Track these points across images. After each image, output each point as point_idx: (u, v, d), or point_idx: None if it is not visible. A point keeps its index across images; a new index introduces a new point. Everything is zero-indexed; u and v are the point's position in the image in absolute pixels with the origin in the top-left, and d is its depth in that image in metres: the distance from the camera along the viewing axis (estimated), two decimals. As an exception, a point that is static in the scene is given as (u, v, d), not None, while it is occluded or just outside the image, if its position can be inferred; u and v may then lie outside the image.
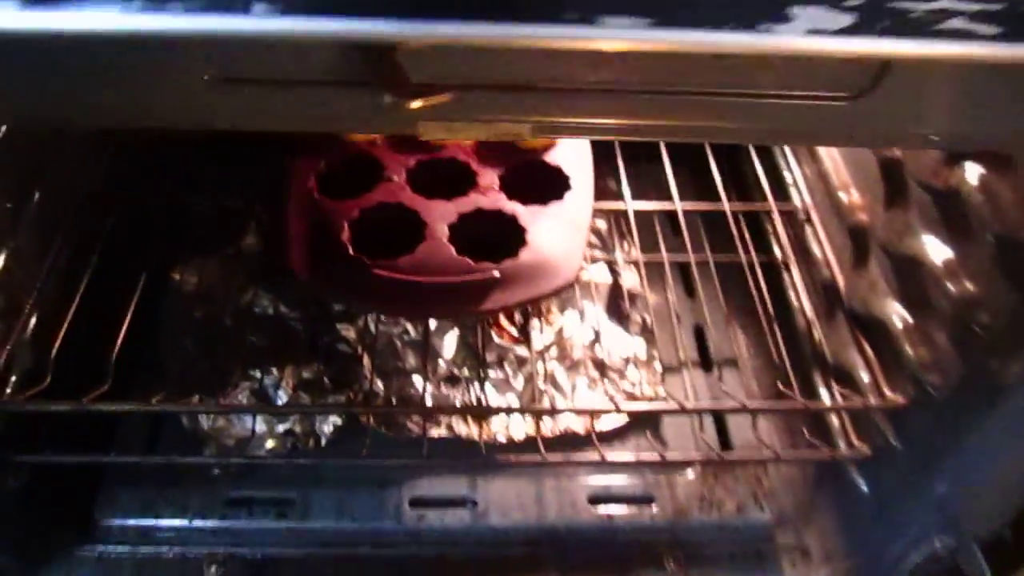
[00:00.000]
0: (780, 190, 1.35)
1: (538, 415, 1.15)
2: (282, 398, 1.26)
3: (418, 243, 1.06)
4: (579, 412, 1.17)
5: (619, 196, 1.30)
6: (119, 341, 1.07)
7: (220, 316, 1.34)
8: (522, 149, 1.20)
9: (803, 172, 1.34)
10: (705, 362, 1.39)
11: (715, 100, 0.63)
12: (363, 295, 1.03)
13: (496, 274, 1.03)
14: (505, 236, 1.09)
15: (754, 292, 1.23)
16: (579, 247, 1.08)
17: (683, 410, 1.04)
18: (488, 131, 0.61)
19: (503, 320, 1.39)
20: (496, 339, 1.35)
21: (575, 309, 1.40)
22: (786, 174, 1.37)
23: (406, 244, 1.06)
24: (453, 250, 1.06)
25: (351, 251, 1.05)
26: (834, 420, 1.18)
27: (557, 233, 1.09)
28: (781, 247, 1.36)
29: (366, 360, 1.30)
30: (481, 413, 1.19)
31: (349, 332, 1.33)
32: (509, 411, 1.17)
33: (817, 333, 1.24)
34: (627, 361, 1.36)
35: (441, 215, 1.09)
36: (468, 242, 1.07)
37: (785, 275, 1.35)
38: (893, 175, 1.05)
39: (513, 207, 1.12)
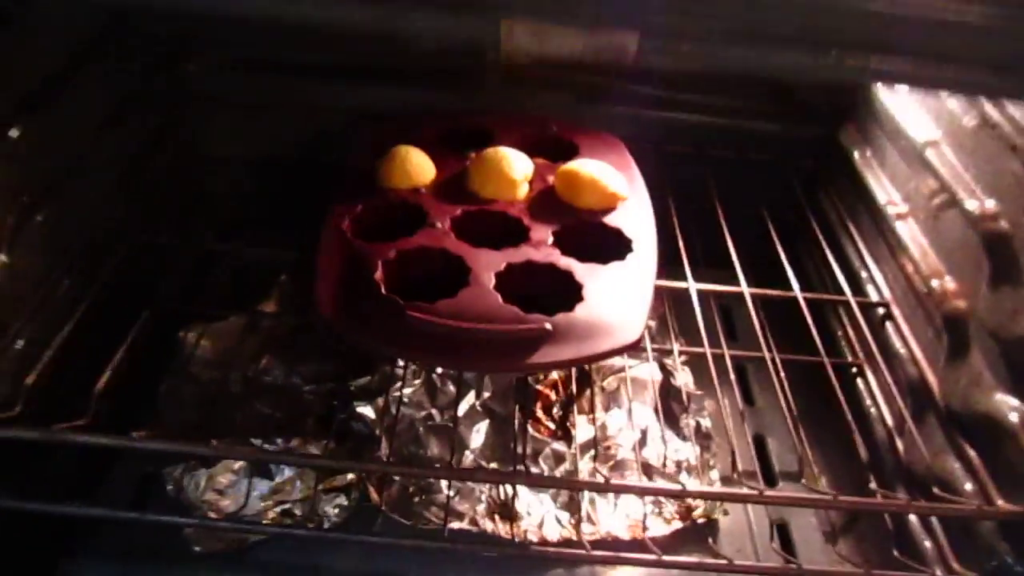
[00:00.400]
0: (854, 286, 1.22)
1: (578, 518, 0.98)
2: (285, 473, 1.10)
3: (460, 289, 0.93)
4: (635, 491, 0.99)
5: (678, 275, 1.18)
6: (105, 377, 0.93)
7: (227, 381, 1.20)
8: (579, 208, 1.09)
9: (879, 268, 1.22)
10: (767, 475, 1.22)
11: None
12: (394, 339, 0.88)
13: (548, 326, 0.89)
14: (558, 291, 0.96)
15: (824, 396, 1.08)
16: (642, 310, 0.95)
17: (759, 497, 0.87)
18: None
19: (540, 412, 1.24)
20: (532, 432, 1.19)
21: (621, 408, 1.25)
22: (860, 271, 1.25)
23: (446, 291, 0.93)
24: (499, 298, 0.92)
25: (383, 290, 0.92)
26: (927, 544, 0.99)
27: (617, 293, 0.96)
28: (852, 346, 1.22)
29: (384, 443, 1.15)
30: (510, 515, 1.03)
31: (367, 410, 1.18)
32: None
33: (901, 443, 1.08)
34: (679, 467, 1.19)
35: (488, 263, 0.97)
36: (516, 294, 0.94)
37: (860, 380, 1.20)
38: (1000, 250, 0.93)
39: (568, 262, 0.99)
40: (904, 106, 1.17)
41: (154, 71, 1.28)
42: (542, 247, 1.01)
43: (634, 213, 1.09)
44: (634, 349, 0.92)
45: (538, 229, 1.04)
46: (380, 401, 1.19)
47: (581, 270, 0.98)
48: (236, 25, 1.33)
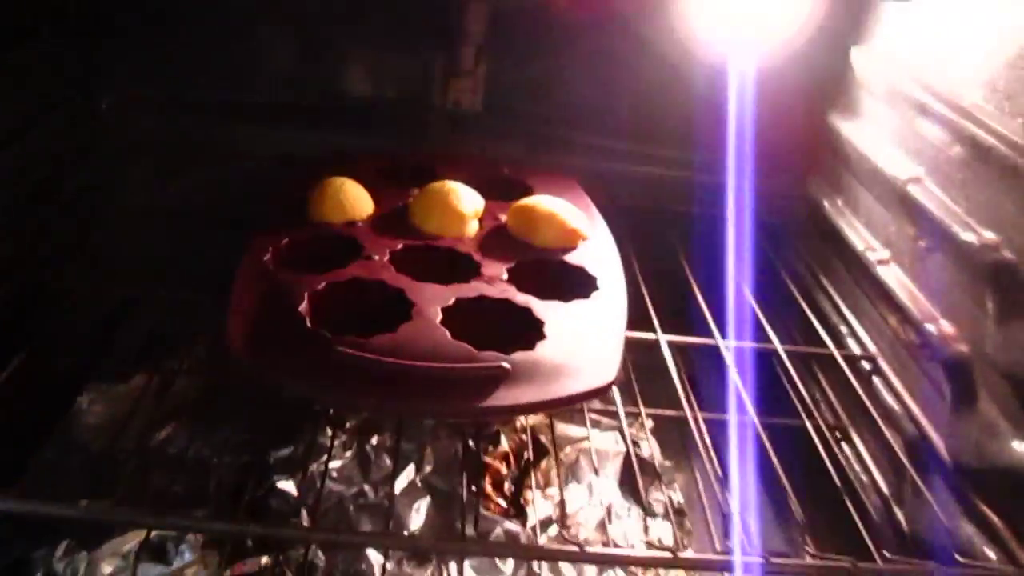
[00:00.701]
0: (834, 341, 1.11)
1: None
2: (185, 557, 0.91)
3: (401, 323, 0.79)
4: (619, 561, 0.83)
5: (645, 326, 1.05)
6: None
7: (120, 450, 1.01)
8: (536, 247, 0.96)
9: (860, 320, 1.11)
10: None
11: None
12: (321, 379, 0.73)
13: (506, 364, 0.75)
14: (515, 329, 0.82)
15: (805, 462, 0.95)
16: (615, 349, 0.81)
17: (770, 565, 0.71)
18: None
19: (490, 487, 1.08)
20: (481, 510, 1.03)
21: (581, 482, 1.10)
22: (839, 325, 1.14)
23: (385, 328, 0.78)
24: (447, 333, 0.78)
25: (309, 323, 0.77)
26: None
27: (585, 331, 0.82)
28: (833, 407, 1.09)
29: (305, 520, 0.97)
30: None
31: (287, 485, 1.02)
32: None
33: (901, 511, 0.95)
34: (649, 547, 1.03)
35: (433, 297, 0.83)
36: (466, 332, 0.79)
37: (845, 444, 1.07)
38: (1006, 282, 0.83)
39: (526, 299, 0.86)
40: (878, 146, 1.10)
41: (61, 101, 1.14)
42: (496, 283, 0.88)
43: (597, 252, 0.97)
44: (603, 394, 0.78)
45: (490, 265, 0.91)
46: (304, 474, 1.02)
47: (541, 307, 0.85)
48: (156, 57, 1.21)
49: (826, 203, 1.21)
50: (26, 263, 1.04)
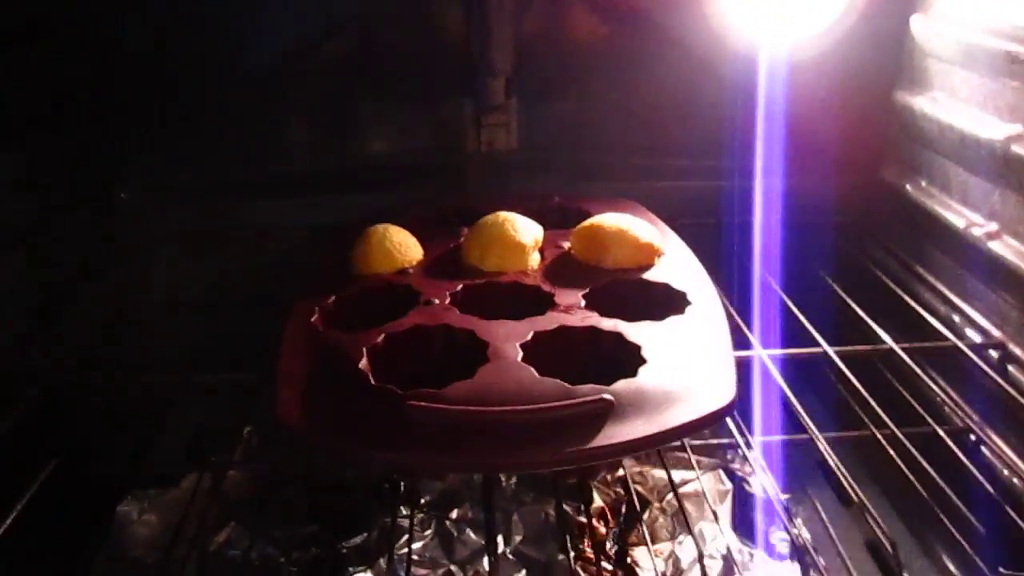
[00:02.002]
0: (952, 332, 0.96)
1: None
2: None
3: (477, 368, 0.66)
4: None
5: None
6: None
7: (177, 561, 0.88)
8: (609, 270, 0.84)
9: (973, 305, 0.96)
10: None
11: None
12: (394, 442, 0.60)
13: (608, 396, 0.61)
14: (608, 359, 0.69)
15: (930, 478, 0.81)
16: (727, 366, 0.68)
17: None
18: None
19: (590, 551, 0.93)
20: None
21: (688, 533, 0.95)
22: (951, 315, 0.99)
23: (459, 377, 0.66)
24: (533, 370, 0.65)
25: (372, 381, 0.64)
26: None
27: (688, 350, 0.69)
28: (959, 408, 0.94)
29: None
30: None
31: (367, 577, 0.87)
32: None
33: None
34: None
35: (508, 334, 0.70)
36: (552, 370, 0.66)
37: (984, 448, 0.92)
38: None
39: (614, 323, 0.73)
40: (961, 113, 0.97)
41: (77, 196, 1.05)
42: (575, 311, 0.75)
43: (677, 265, 0.85)
44: (724, 418, 0.65)
45: (564, 294, 0.79)
46: (383, 562, 0.89)
47: (633, 330, 0.72)
48: (172, 140, 1.12)
49: (908, 187, 1.08)
50: (51, 367, 0.93)
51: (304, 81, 1.14)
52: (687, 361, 0.67)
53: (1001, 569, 0.65)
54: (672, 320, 0.74)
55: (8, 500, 0.72)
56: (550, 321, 0.73)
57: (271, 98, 1.15)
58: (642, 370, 0.66)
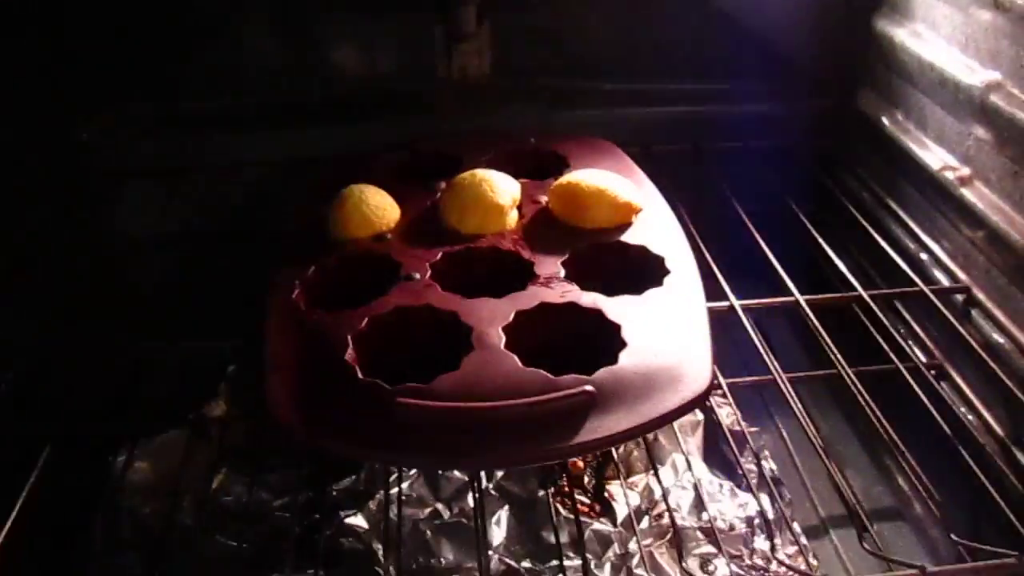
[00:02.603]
0: (918, 274, 0.98)
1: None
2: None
3: (462, 357, 0.67)
4: None
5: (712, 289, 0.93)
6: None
7: (177, 512, 0.91)
8: (586, 229, 0.84)
9: (943, 247, 0.98)
10: (856, 517, 0.97)
11: None
12: (386, 441, 0.62)
13: (589, 388, 0.63)
14: (588, 340, 0.70)
15: (896, 410, 0.84)
16: (704, 345, 0.70)
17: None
18: None
19: (568, 485, 0.97)
20: (564, 512, 0.92)
21: (664, 464, 0.99)
22: (919, 254, 1.01)
23: (443, 362, 0.67)
24: (517, 360, 0.66)
25: (360, 376, 0.65)
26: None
27: (667, 328, 0.71)
28: (925, 346, 0.98)
29: (383, 558, 0.87)
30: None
31: (358, 520, 0.91)
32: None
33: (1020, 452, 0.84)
34: (750, 526, 0.93)
35: (491, 315, 0.71)
36: (533, 351, 0.68)
37: (943, 383, 0.96)
38: None
39: (594, 299, 0.74)
40: (941, 51, 0.95)
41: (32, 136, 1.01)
42: (555, 283, 0.76)
43: (655, 225, 0.85)
44: (702, 402, 0.67)
45: (543, 262, 0.79)
46: (372, 504, 0.92)
47: (613, 307, 0.72)
48: (127, 72, 1.07)
49: (885, 119, 1.07)
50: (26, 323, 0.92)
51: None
52: (666, 344, 0.68)
53: (953, 536, 0.70)
54: (650, 295, 0.74)
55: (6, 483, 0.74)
56: (531, 298, 0.73)
57: (229, 21, 1.09)
58: (623, 355, 0.67)
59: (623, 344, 0.68)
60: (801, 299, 0.92)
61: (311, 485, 0.94)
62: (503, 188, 0.85)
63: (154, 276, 1.17)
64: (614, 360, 0.66)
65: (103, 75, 1.05)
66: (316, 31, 1.10)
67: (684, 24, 1.13)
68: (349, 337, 0.69)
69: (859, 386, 0.86)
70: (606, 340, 0.69)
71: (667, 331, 0.70)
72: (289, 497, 0.94)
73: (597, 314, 0.72)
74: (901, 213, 1.04)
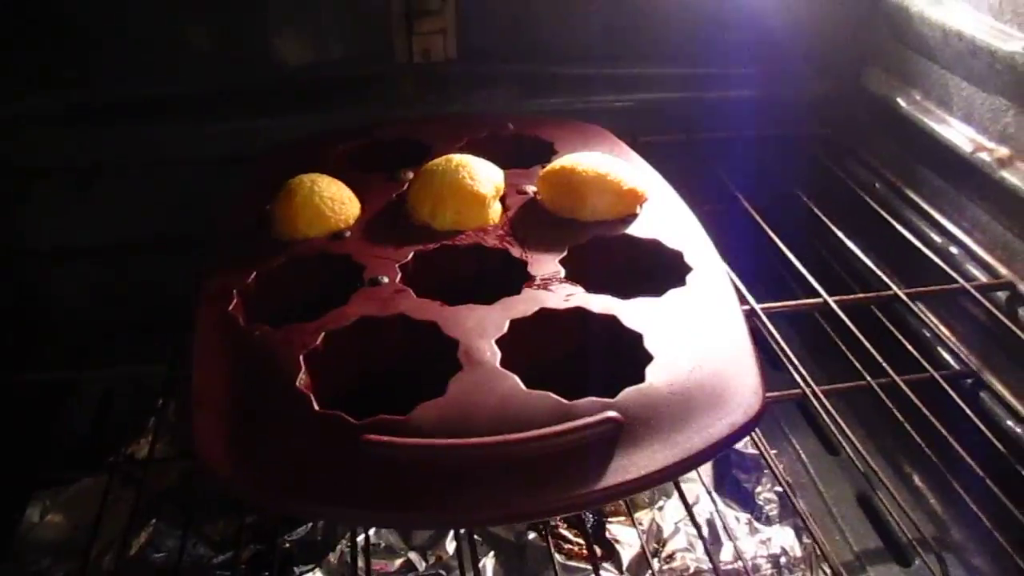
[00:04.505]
0: (952, 269, 0.86)
1: None
2: None
3: (447, 378, 0.51)
4: None
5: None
6: None
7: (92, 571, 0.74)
8: (585, 221, 0.69)
9: (976, 240, 0.86)
10: (893, 547, 0.83)
11: None
12: (349, 493, 0.46)
13: (614, 414, 0.48)
14: (602, 353, 0.56)
15: (928, 424, 0.72)
16: (747, 353, 0.55)
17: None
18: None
19: (563, 527, 0.82)
20: (559, 558, 0.77)
21: (670, 496, 0.85)
22: (948, 247, 0.88)
23: (423, 386, 0.51)
24: (518, 380, 0.51)
25: (315, 406, 0.49)
26: None
27: (698, 336, 0.56)
28: (954, 351, 0.85)
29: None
30: None
31: (315, 576, 0.75)
32: None
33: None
34: (776, 566, 0.79)
35: (479, 326, 0.55)
36: (535, 369, 0.52)
37: (983, 393, 0.83)
38: None
39: (606, 303, 0.59)
40: (967, 16, 0.83)
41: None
42: (555, 285, 0.61)
43: (665, 215, 0.70)
44: (755, 426, 0.52)
45: (538, 261, 0.64)
46: (333, 558, 0.77)
47: (630, 311, 0.57)
48: (44, 52, 0.89)
49: (900, 100, 0.94)
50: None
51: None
52: (703, 356, 0.54)
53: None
54: (673, 295, 0.60)
55: None
56: (528, 303, 0.58)
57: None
58: (650, 372, 0.52)
59: (648, 357, 0.53)
60: (831, 300, 0.78)
61: (258, 537, 0.78)
62: (484, 176, 0.70)
63: (68, 293, 0.99)
64: (639, 377, 0.51)
65: (15, 56, 0.88)
66: (256, 5, 0.94)
67: (671, 4, 0.99)
68: (300, 357, 0.53)
69: (886, 400, 0.73)
70: (626, 353, 0.54)
71: (700, 340, 0.55)
72: (232, 552, 0.78)
73: (611, 321, 0.57)
74: (922, 203, 0.91)
